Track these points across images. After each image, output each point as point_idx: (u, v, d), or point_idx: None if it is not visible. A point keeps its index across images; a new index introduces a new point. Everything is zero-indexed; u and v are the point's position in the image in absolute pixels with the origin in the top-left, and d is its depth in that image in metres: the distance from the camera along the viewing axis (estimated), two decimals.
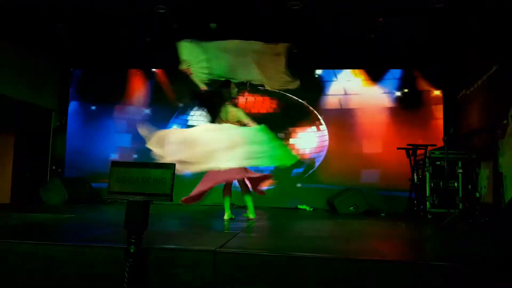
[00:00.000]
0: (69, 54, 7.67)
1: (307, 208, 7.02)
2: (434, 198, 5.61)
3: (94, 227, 3.76)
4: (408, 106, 7.47)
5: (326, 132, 7.64)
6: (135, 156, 7.74)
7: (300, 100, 7.73)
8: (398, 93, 7.55)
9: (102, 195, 7.52)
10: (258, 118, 7.65)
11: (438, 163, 5.69)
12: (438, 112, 7.37)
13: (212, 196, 7.52)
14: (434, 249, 3.25)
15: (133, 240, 2.24)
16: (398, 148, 6.27)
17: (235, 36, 6.58)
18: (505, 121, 5.27)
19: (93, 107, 8.14)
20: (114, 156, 7.82)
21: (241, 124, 4.61)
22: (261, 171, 5.38)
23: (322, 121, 7.66)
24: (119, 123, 8.05)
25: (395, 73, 7.60)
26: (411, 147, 5.99)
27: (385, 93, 7.57)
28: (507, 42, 5.26)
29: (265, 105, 7.82)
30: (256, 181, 4.65)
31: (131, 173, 2.36)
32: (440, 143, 5.90)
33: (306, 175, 7.60)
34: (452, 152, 5.57)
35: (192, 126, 7.86)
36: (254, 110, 7.72)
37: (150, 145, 4.44)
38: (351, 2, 5.31)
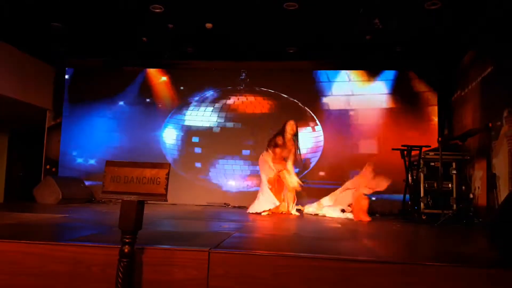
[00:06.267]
0: (64, 53, 7.64)
1: (301, 208, 7.01)
2: (428, 199, 5.64)
3: (88, 227, 3.74)
4: (403, 107, 7.51)
5: (321, 133, 7.66)
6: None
7: (295, 100, 7.74)
8: (393, 94, 7.58)
9: (97, 195, 7.51)
10: (254, 118, 7.75)
11: (433, 164, 5.72)
12: (433, 113, 7.41)
13: (207, 195, 7.58)
14: (428, 250, 3.26)
15: (127, 240, 2.23)
16: (392, 149, 6.29)
17: (231, 36, 6.61)
18: (499, 123, 5.30)
19: (88, 106, 8.10)
20: (108, 156, 7.79)
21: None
22: None
23: (317, 121, 7.67)
24: (114, 122, 8.03)
25: (390, 74, 7.63)
26: (405, 148, 6.02)
27: (380, 94, 7.60)
28: (502, 44, 5.29)
29: (261, 105, 7.83)
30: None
31: (125, 172, 2.36)
32: (435, 144, 5.93)
33: (301, 175, 7.60)
34: (446, 153, 5.60)
35: (188, 126, 7.89)
36: (250, 111, 7.74)
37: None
38: (346, 3, 5.33)
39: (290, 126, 6.05)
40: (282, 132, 6.07)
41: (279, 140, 5.98)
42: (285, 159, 6.11)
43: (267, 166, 5.93)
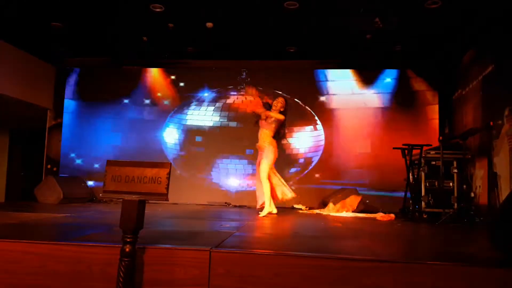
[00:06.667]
0: (64, 52, 7.65)
1: (303, 208, 7.03)
2: (429, 198, 5.63)
3: (89, 226, 3.75)
4: (404, 106, 7.51)
5: (322, 132, 7.66)
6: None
7: (296, 100, 7.74)
8: (394, 93, 7.58)
9: (98, 194, 7.52)
10: (254, 118, 7.71)
11: (434, 163, 5.71)
12: (434, 112, 7.41)
13: (208, 195, 7.59)
14: (429, 249, 3.26)
15: (128, 239, 2.23)
16: (393, 148, 6.29)
17: (232, 35, 6.61)
18: (500, 121, 5.30)
19: (89, 106, 8.11)
20: (109, 155, 7.78)
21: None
22: None
23: (318, 121, 7.67)
24: (114, 122, 8.03)
25: (391, 73, 7.63)
26: (406, 147, 6.01)
27: (381, 93, 7.60)
28: (502, 43, 5.29)
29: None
30: None
31: (126, 172, 2.36)
32: (436, 143, 5.92)
33: (302, 174, 7.61)
34: (447, 152, 5.59)
35: (189, 125, 7.90)
36: (250, 110, 7.71)
37: None
38: (347, 2, 5.32)
39: (275, 102, 5.67)
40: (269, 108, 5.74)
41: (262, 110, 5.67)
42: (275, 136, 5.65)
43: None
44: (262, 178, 5.42)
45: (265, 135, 5.55)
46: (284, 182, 5.70)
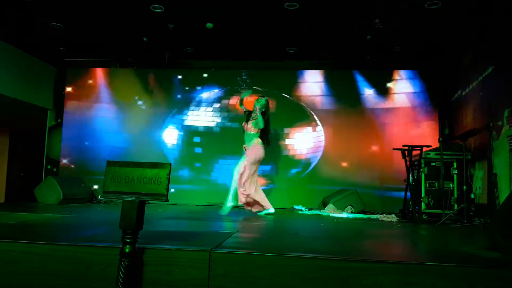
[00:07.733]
0: (65, 53, 7.65)
1: (303, 208, 7.03)
2: (429, 199, 5.64)
3: (89, 227, 3.75)
4: (403, 107, 7.50)
5: (322, 133, 7.65)
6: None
7: (295, 100, 7.74)
8: (393, 94, 7.58)
9: (97, 195, 7.51)
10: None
11: (433, 164, 5.72)
12: (434, 113, 7.40)
13: (208, 195, 7.58)
14: (429, 250, 3.26)
15: (128, 240, 2.24)
16: (393, 149, 6.29)
17: (232, 35, 6.61)
18: (500, 123, 5.30)
19: (88, 107, 8.10)
20: (109, 156, 7.78)
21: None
22: None
23: (318, 121, 7.67)
24: (114, 122, 8.03)
25: (390, 74, 7.62)
26: (406, 148, 6.01)
27: (380, 94, 7.59)
28: (502, 44, 5.29)
29: None
30: None
31: (126, 172, 2.36)
32: (436, 144, 5.93)
33: (302, 175, 7.61)
34: (447, 153, 5.60)
35: (188, 126, 7.90)
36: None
37: None
38: (347, 3, 5.32)
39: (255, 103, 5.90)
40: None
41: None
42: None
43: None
44: (245, 178, 5.48)
45: (249, 137, 5.75)
46: (251, 193, 5.52)
